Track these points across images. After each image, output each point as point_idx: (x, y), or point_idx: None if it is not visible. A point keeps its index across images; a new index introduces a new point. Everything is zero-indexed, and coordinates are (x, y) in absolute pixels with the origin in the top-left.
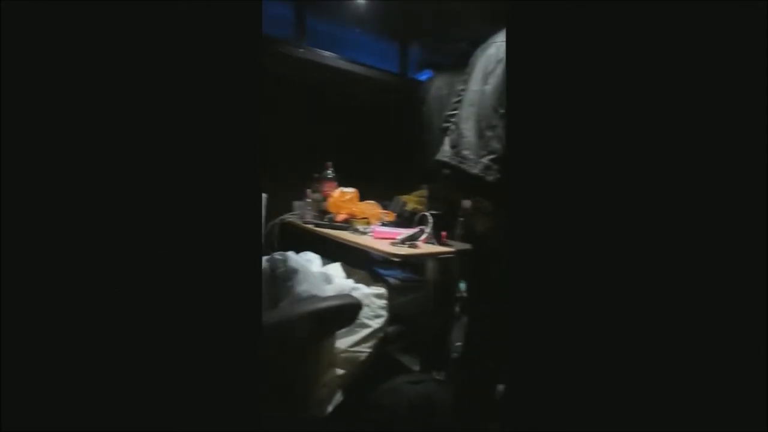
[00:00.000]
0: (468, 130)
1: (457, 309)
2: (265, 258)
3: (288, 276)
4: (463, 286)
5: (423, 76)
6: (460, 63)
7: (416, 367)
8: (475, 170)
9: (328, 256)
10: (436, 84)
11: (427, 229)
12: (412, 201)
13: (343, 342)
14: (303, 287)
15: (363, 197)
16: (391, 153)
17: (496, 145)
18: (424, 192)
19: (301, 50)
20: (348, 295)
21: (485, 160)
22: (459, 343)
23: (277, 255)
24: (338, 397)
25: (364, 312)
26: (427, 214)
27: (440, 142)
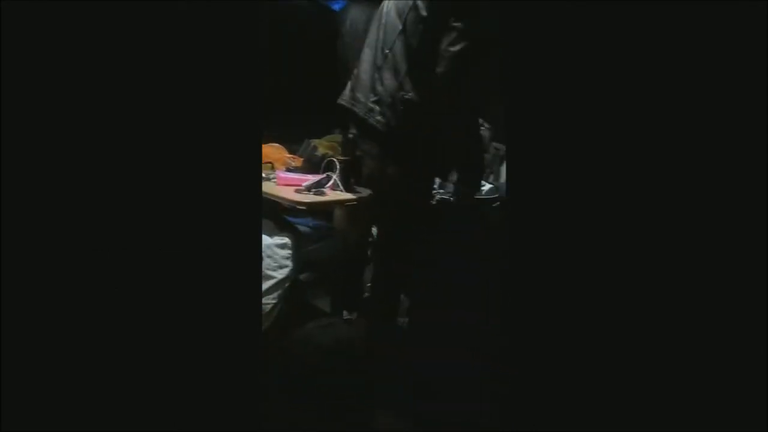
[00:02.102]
0: (364, 72)
1: (369, 252)
2: None
3: None
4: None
5: (337, 6)
6: None
7: (327, 310)
8: (362, 113)
9: None
10: (351, 16)
11: (334, 176)
12: (323, 146)
13: None
14: None
15: (271, 140)
16: (302, 91)
17: (379, 87)
18: (337, 137)
19: None
20: None
21: (370, 102)
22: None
23: None
24: None
25: (267, 263)
26: (334, 159)
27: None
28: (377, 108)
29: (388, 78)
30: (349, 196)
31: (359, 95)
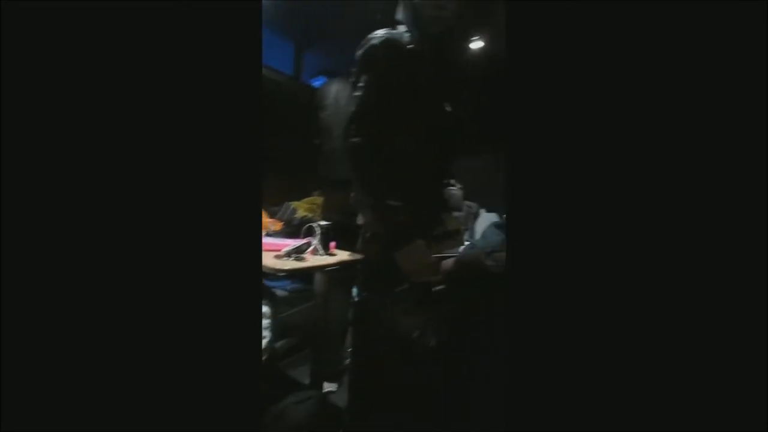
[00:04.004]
0: None
1: (349, 316)
2: None
3: None
4: (355, 291)
5: (317, 82)
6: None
7: (306, 381)
8: None
9: None
10: (334, 91)
11: (315, 241)
12: (303, 208)
13: None
14: None
15: None
16: (281, 157)
17: None
18: (316, 199)
19: None
20: None
21: None
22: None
23: None
24: None
25: None
26: (313, 225)
27: None
28: None
29: None
30: (329, 260)
31: None
